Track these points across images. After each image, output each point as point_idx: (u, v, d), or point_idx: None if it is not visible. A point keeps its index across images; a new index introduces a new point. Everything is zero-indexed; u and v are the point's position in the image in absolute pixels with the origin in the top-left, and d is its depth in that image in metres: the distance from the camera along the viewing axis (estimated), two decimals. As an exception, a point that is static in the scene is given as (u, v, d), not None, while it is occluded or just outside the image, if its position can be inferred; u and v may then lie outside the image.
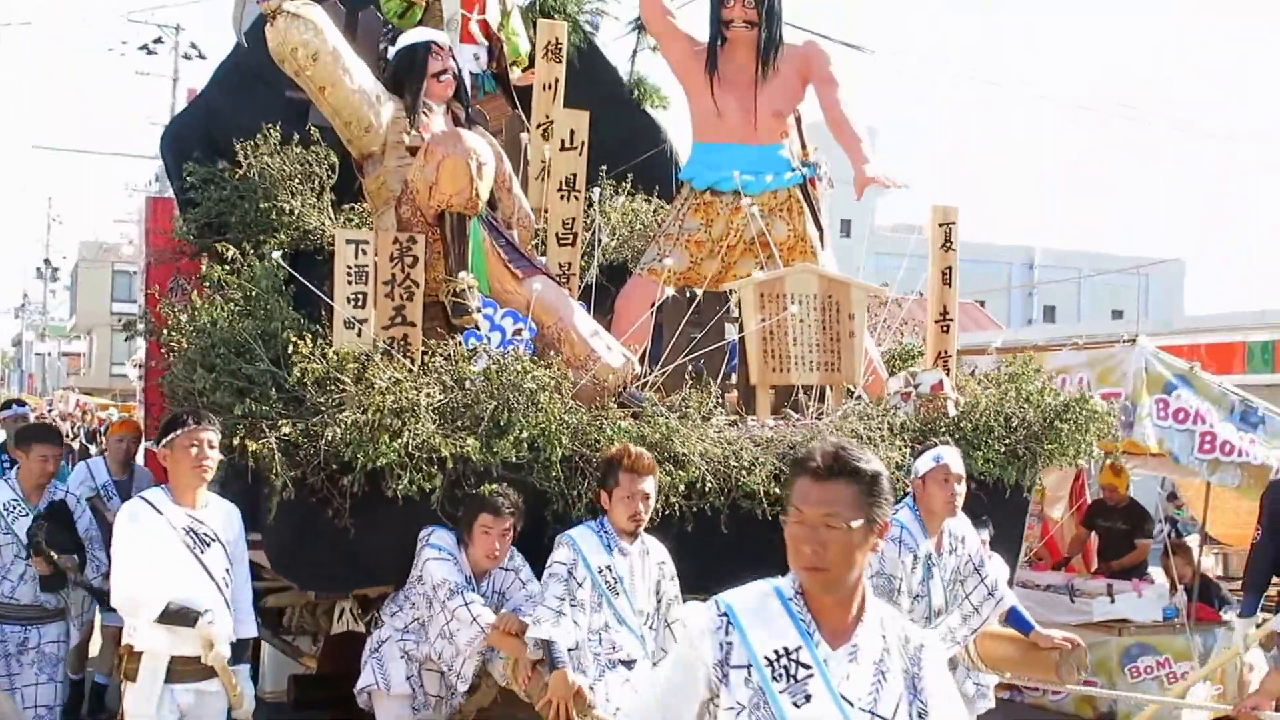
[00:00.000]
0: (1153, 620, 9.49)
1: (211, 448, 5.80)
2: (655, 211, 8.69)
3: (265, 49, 8.19)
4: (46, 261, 60.98)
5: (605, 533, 5.80)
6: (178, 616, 5.57)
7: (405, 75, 7.07)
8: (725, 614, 3.20)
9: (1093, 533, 11.31)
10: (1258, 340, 27.31)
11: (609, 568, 5.74)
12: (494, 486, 5.90)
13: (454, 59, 7.23)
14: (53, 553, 7.21)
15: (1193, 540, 10.86)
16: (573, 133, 7.49)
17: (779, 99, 7.47)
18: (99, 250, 55.52)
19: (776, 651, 3.15)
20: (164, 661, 5.65)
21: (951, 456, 6.10)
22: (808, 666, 3.14)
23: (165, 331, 6.69)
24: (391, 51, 7.30)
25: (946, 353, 7.50)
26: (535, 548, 6.13)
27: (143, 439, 10.23)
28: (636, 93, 9.68)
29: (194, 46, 36.40)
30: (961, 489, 6.07)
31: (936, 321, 7.54)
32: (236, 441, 5.96)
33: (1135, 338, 9.31)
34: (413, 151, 6.76)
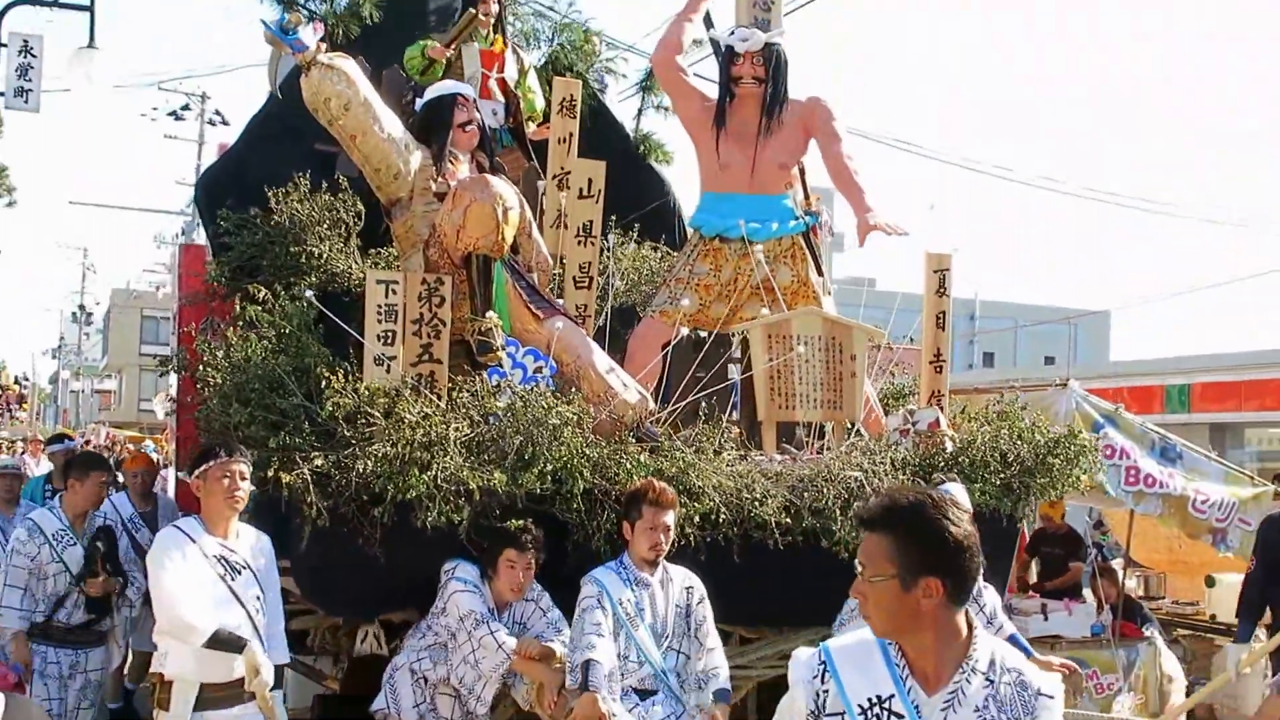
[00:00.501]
0: (1082, 636, 9.43)
1: (243, 479, 5.48)
2: (661, 258, 8.39)
3: (295, 104, 7.98)
4: (81, 307, 61.27)
5: (624, 569, 5.53)
6: (225, 643, 5.22)
7: (432, 125, 6.80)
8: (824, 661, 2.95)
9: (1035, 558, 11.28)
10: (1174, 384, 27.35)
11: (630, 600, 5.45)
12: (518, 522, 5.58)
13: (478, 110, 6.93)
14: (104, 575, 6.87)
15: (1117, 564, 10.79)
16: (590, 182, 7.25)
17: (783, 152, 7.21)
18: (129, 297, 55.79)
19: (870, 700, 2.87)
20: (194, 689, 5.30)
21: (959, 492, 5.86)
22: (899, 715, 2.85)
23: (201, 367, 6.35)
24: (419, 103, 7.00)
25: (939, 392, 7.24)
26: (556, 578, 5.85)
27: (170, 469, 9.94)
28: (642, 148, 9.41)
29: (218, 113, 36.47)
30: (970, 521, 5.75)
31: (930, 362, 7.27)
32: (270, 473, 5.63)
33: (1066, 381, 9.37)
34: (440, 197, 6.48)
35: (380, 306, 6.10)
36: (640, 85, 9.21)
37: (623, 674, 5.39)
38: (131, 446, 26.60)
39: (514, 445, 5.73)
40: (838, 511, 6.07)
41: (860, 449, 6.49)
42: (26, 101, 13.96)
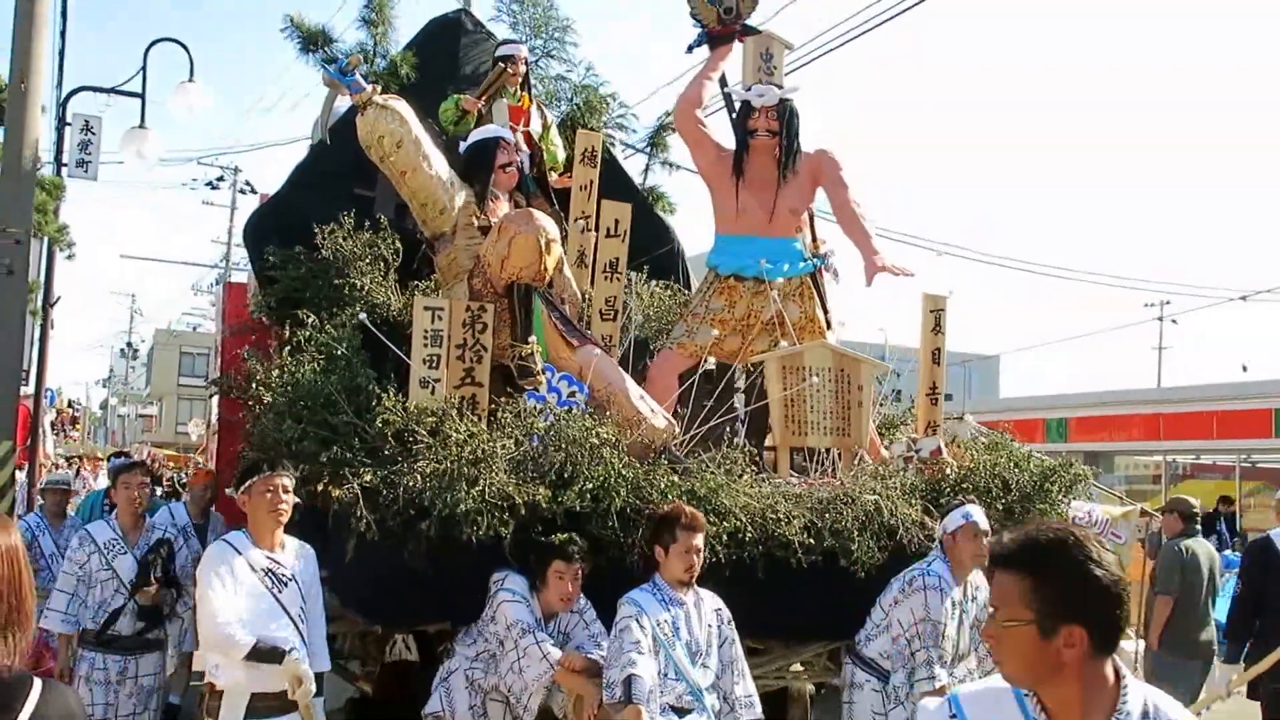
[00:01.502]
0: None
1: (286, 492, 4.75)
2: (672, 296, 7.64)
3: (341, 149, 7.28)
4: (129, 344, 60.81)
5: (659, 590, 4.76)
6: (266, 654, 4.46)
7: (476, 165, 6.10)
8: (955, 714, 2.26)
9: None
10: (1055, 418, 27.14)
11: (667, 620, 4.70)
12: (563, 536, 4.79)
13: (518, 154, 6.20)
14: (156, 585, 6.00)
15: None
16: (617, 222, 6.57)
17: (795, 198, 6.54)
18: (170, 336, 55.94)
19: None
20: (245, 699, 4.53)
21: (979, 514, 5.20)
22: None
23: (254, 387, 5.55)
24: (462, 146, 6.26)
25: (934, 422, 6.51)
26: (589, 593, 5.04)
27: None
28: (649, 198, 8.66)
29: (248, 183, 36.52)
30: (987, 543, 5.05)
31: (927, 395, 6.59)
32: (320, 487, 4.83)
33: (963, 415, 8.73)
34: (483, 232, 5.72)
35: (427, 331, 5.37)
36: (648, 142, 8.50)
37: (661, 691, 4.62)
38: (170, 465, 25.58)
39: (555, 463, 4.96)
40: (856, 532, 5.34)
41: (873, 474, 5.75)
42: (86, 171, 13.75)
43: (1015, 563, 2.17)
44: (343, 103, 7.29)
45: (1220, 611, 7.76)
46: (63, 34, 13.89)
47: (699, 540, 4.75)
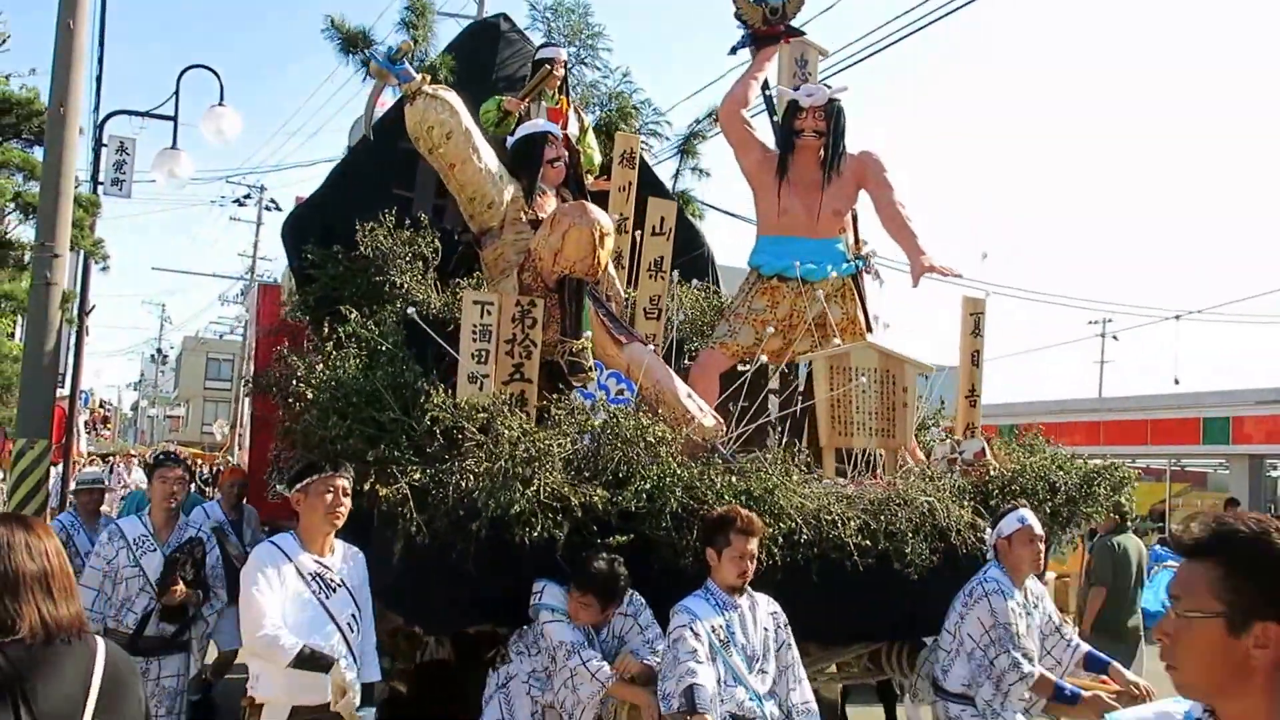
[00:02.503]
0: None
1: (346, 495, 4.20)
2: (706, 297, 7.14)
3: (377, 153, 6.80)
4: (159, 350, 60.83)
5: (712, 595, 4.28)
6: (312, 661, 3.93)
7: (524, 160, 5.61)
8: None
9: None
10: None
11: (721, 626, 4.20)
12: (621, 537, 4.28)
13: (565, 150, 5.70)
14: (183, 585, 5.39)
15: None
16: (662, 220, 6.08)
17: (839, 199, 6.05)
18: (197, 343, 56.16)
19: None
20: (285, 712, 4.02)
21: (1032, 518, 4.74)
22: None
23: (294, 383, 5.02)
24: (509, 141, 5.76)
25: (973, 424, 6.02)
26: (644, 595, 4.52)
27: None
28: (680, 203, 8.15)
29: (273, 201, 36.75)
30: (1042, 547, 4.56)
31: (966, 397, 6.10)
32: (367, 486, 4.32)
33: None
34: (533, 226, 5.21)
35: (475, 326, 4.88)
36: (678, 149, 8.00)
37: (721, 699, 4.12)
38: (196, 462, 25.01)
39: (611, 462, 4.45)
40: (909, 534, 4.85)
41: (921, 475, 5.26)
42: (120, 189, 14.00)
43: (1207, 550, 1.73)
44: (385, 100, 6.83)
45: (1147, 601, 8.04)
46: (100, 60, 14.21)
47: (753, 545, 4.27)
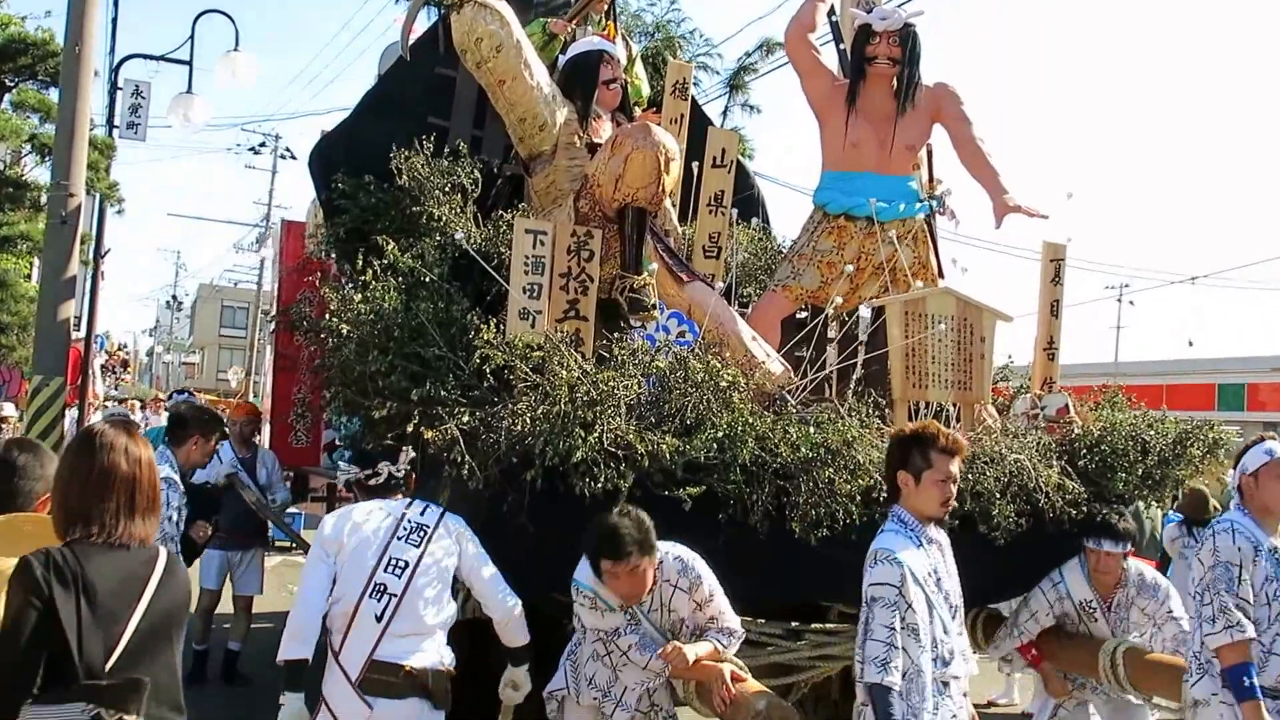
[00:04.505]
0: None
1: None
2: (757, 240, 6.59)
3: (411, 79, 6.24)
4: (174, 298, 60.67)
5: (911, 530, 3.43)
6: (290, 676, 3.61)
7: (578, 80, 5.07)
8: None
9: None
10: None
11: (929, 569, 3.38)
12: (614, 522, 3.66)
13: (622, 70, 5.14)
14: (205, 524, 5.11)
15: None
16: (724, 151, 5.52)
17: (913, 133, 5.50)
18: (212, 290, 55.88)
19: None
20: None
21: None
22: None
23: (327, 318, 4.51)
24: (561, 60, 5.20)
25: (1051, 379, 5.49)
26: (707, 552, 3.97)
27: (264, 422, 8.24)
28: (728, 143, 7.58)
29: (288, 149, 36.53)
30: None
31: (1044, 350, 5.58)
32: (411, 428, 3.82)
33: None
34: (591, 150, 4.65)
35: (528, 257, 4.35)
36: (727, 84, 7.44)
37: (944, 664, 3.34)
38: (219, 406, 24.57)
39: (680, 408, 3.93)
40: (997, 495, 4.34)
41: (1006, 431, 4.74)
42: (136, 133, 13.96)
43: None
44: (417, 27, 6.27)
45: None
46: (115, 2, 14.25)
47: (956, 466, 3.49)
